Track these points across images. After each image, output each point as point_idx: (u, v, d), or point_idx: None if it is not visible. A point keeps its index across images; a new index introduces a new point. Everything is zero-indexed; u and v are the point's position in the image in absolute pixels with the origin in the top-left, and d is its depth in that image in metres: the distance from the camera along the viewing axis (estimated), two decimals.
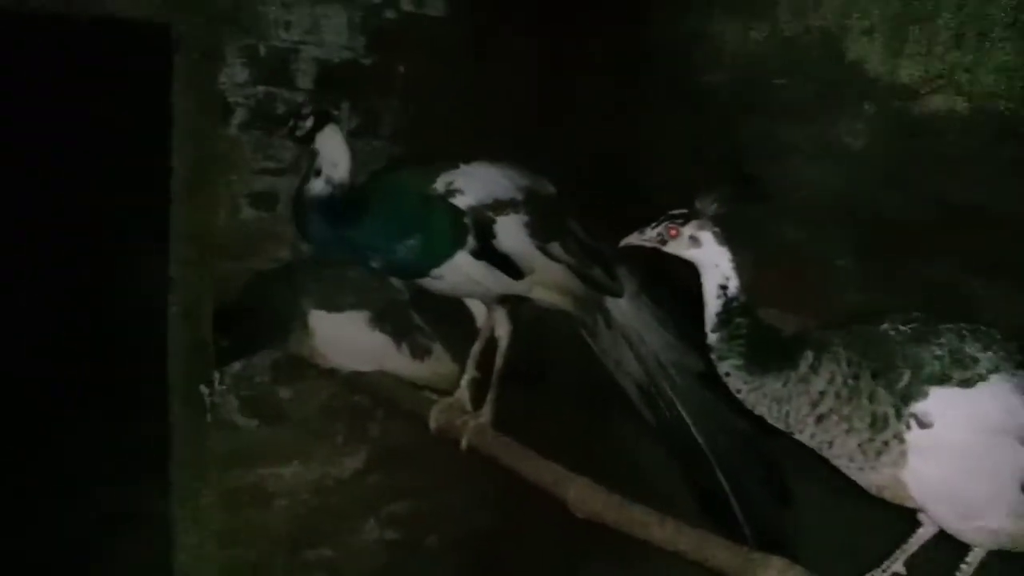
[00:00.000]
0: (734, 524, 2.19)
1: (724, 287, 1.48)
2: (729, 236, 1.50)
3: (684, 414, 2.31)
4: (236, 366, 2.69)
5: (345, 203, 2.19)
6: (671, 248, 1.53)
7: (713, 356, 1.51)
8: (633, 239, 1.57)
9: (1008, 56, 2.27)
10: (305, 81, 2.70)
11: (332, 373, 2.64)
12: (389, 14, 2.83)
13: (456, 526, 3.18)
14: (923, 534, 1.55)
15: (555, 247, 2.23)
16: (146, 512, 3.10)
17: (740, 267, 1.51)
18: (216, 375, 2.52)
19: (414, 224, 2.12)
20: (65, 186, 3.88)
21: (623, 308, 2.39)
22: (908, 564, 1.58)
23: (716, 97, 2.99)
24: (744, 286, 1.51)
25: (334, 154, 2.20)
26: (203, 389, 2.52)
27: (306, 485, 2.89)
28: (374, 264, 2.21)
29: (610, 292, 2.35)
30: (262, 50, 2.62)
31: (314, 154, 2.23)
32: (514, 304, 2.34)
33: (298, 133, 2.25)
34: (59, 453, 3.82)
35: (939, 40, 2.43)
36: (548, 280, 2.25)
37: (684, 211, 1.53)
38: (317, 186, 2.18)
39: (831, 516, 2.22)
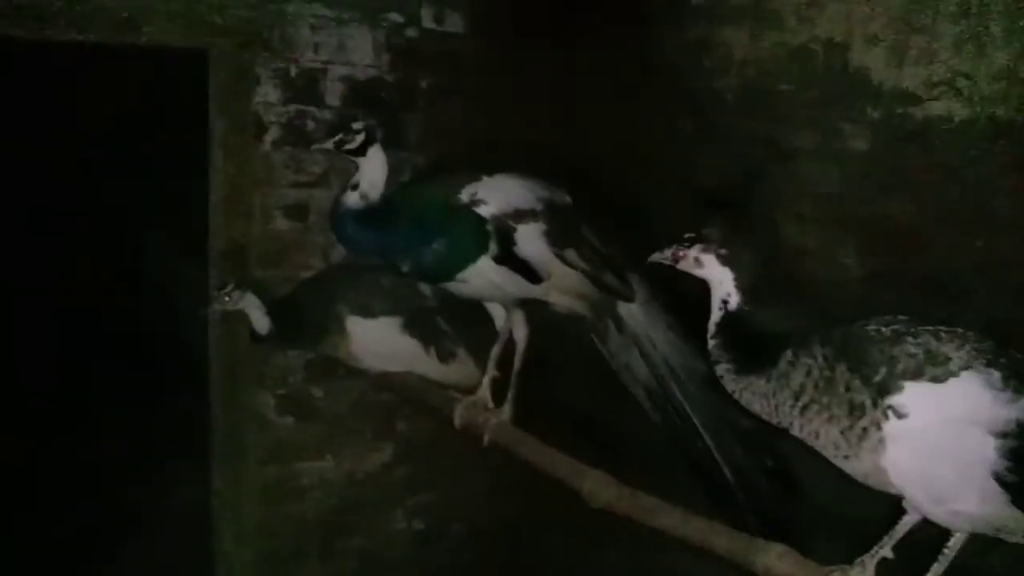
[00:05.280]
0: (738, 516, 2.28)
1: (725, 302, 1.66)
2: (733, 257, 1.67)
3: (691, 414, 2.42)
4: (274, 364, 2.84)
5: (377, 212, 2.30)
6: (682, 266, 1.73)
7: (712, 360, 1.68)
8: (655, 257, 1.76)
9: (1007, 62, 2.37)
10: (333, 98, 2.86)
11: (361, 372, 2.77)
12: (411, 32, 2.99)
13: (479, 515, 3.31)
14: (908, 520, 1.67)
15: (571, 254, 2.34)
16: (187, 506, 3.29)
17: (744, 283, 1.67)
18: (230, 285, 2.53)
19: (440, 231, 2.24)
20: (113, 204, 4.09)
21: (634, 313, 2.50)
22: (896, 548, 1.69)
23: (724, 104, 3.10)
24: (749, 295, 1.67)
25: (374, 174, 2.29)
26: (214, 294, 2.54)
27: (338, 479, 3.05)
28: (404, 268, 2.32)
29: (623, 297, 2.46)
30: (293, 71, 2.78)
31: (356, 167, 2.31)
32: (531, 308, 2.46)
33: (347, 147, 2.31)
34: (106, 450, 4.02)
35: (940, 47, 2.52)
36: (564, 285, 2.37)
37: (692, 235, 1.72)
38: (352, 199, 2.29)
39: (843, 507, 2.33)
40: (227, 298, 2.51)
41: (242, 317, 2.60)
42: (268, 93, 2.76)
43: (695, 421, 2.42)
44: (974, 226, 2.41)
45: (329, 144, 2.32)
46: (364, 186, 2.28)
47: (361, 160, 2.29)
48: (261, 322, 2.55)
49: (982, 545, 1.66)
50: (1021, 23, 2.32)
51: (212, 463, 2.95)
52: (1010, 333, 2.22)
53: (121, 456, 3.98)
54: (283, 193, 2.82)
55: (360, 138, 2.29)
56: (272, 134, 2.78)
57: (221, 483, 2.95)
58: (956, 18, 2.45)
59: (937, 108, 2.51)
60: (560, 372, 3.17)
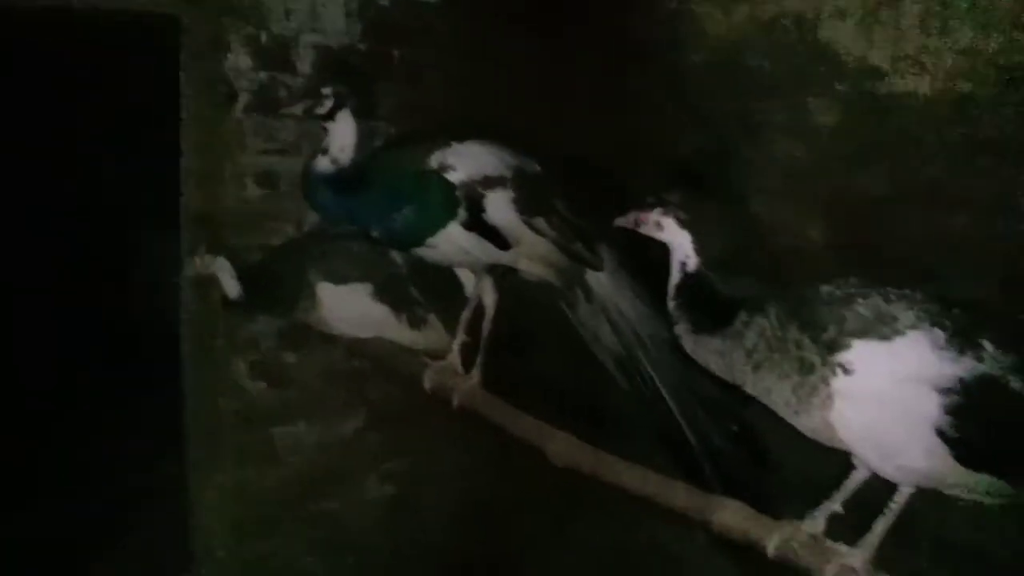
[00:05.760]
0: (703, 479, 2.32)
1: (684, 263, 1.72)
2: (692, 220, 1.72)
3: (658, 381, 2.47)
4: (246, 330, 2.87)
5: (348, 178, 2.31)
6: (643, 230, 1.78)
7: (672, 321, 1.73)
8: (619, 221, 1.81)
9: (970, 38, 2.41)
10: (304, 66, 2.86)
11: (333, 339, 2.80)
12: (383, 1, 2.99)
13: (451, 482, 3.36)
14: (857, 477, 1.73)
15: (540, 222, 2.37)
16: (162, 473, 3.31)
17: (703, 246, 1.72)
18: (202, 248, 2.56)
19: (410, 197, 2.26)
20: (82, 170, 4.08)
21: (603, 281, 2.54)
22: (845, 504, 1.76)
23: (697, 78, 3.13)
24: (708, 259, 1.72)
25: (344, 139, 2.30)
26: (198, 261, 2.55)
27: (311, 444, 3.08)
28: (374, 233, 2.35)
29: (591, 265, 2.50)
30: (264, 38, 2.79)
31: (325, 132, 2.32)
32: (501, 274, 2.50)
33: (316, 111, 2.31)
34: (78, 418, 4.04)
35: (906, 23, 2.56)
36: (533, 252, 2.40)
37: (653, 199, 1.77)
38: (322, 164, 2.30)
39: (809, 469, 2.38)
40: (198, 261, 2.53)
41: (213, 282, 2.61)
42: (239, 60, 2.76)
43: (661, 389, 2.47)
44: (939, 201, 2.46)
45: (298, 108, 2.33)
46: (334, 150, 2.29)
47: (330, 125, 2.30)
48: (232, 286, 2.57)
49: (942, 506, 1.73)
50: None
51: (186, 429, 2.97)
52: (974, 308, 2.31)
53: (94, 424, 4.00)
54: (254, 160, 2.83)
55: (329, 103, 2.29)
56: (243, 101, 2.79)
57: (195, 448, 2.98)
58: None
59: (903, 83, 2.54)
60: (532, 340, 3.21)
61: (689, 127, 3.12)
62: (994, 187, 2.32)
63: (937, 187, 2.45)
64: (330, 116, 2.29)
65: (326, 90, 2.30)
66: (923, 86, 2.49)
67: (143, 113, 3.18)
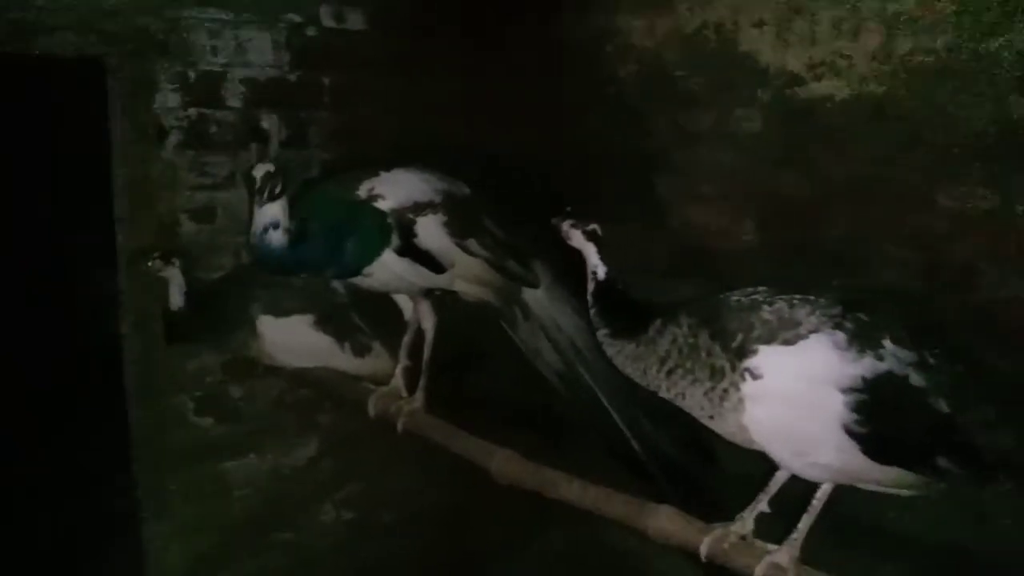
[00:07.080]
0: (656, 486, 2.39)
1: (594, 272, 1.81)
2: (594, 233, 1.83)
3: (599, 392, 2.52)
4: (190, 365, 2.88)
5: (295, 236, 2.24)
6: (563, 236, 1.86)
7: (595, 328, 1.82)
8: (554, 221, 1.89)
9: (880, 42, 2.51)
10: (235, 100, 2.88)
11: (279, 369, 2.81)
12: (311, 31, 3.01)
13: (408, 503, 3.38)
14: (780, 476, 1.81)
15: (472, 243, 2.42)
16: (114, 511, 3.29)
17: (608, 255, 1.82)
18: (157, 253, 2.59)
19: (345, 230, 2.28)
20: (14, 214, 4.03)
21: (539, 298, 2.60)
22: (771, 503, 1.82)
23: (626, 90, 3.21)
24: (615, 267, 1.81)
25: (286, 208, 2.23)
26: (150, 264, 2.58)
27: (263, 475, 3.08)
28: (326, 274, 2.39)
29: (525, 282, 2.56)
30: (192, 75, 2.79)
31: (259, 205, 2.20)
32: (439, 297, 2.54)
33: (276, 192, 2.20)
34: (29, 461, 3.99)
35: (820, 30, 2.66)
36: (467, 273, 2.45)
37: (567, 210, 1.86)
38: (277, 238, 2.20)
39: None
40: (150, 264, 2.57)
41: (155, 320, 2.66)
42: (167, 98, 2.75)
43: (603, 399, 2.52)
44: (860, 197, 2.56)
45: (265, 195, 2.21)
46: (285, 222, 2.22)
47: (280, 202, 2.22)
48: (176, 298, 2.59)
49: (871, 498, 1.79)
50: (889, 6, 2.47)
51: (135, 467, 2.95)
52: (899, 296, 2.41)
53: (42, 463, 3.96)
54: (188, 196, 2.83)
55: (280, 179, 2.21)
56: (174, 138, 2.78)
57: (146, 485, 2.96)
58: (832, 2, 2.59)
59: (821, 88, 2.65)
60: (477, 359, 3.24)
61: (620, 137, 3.20)
62: (910, 181, 2.43)
63: (857, 184, 2.56)
64: (284, 191, 2.23)
65: (270, 167, 2.22)
66: (839, 90, 2.59)
67: (73, 156, 3.17)
